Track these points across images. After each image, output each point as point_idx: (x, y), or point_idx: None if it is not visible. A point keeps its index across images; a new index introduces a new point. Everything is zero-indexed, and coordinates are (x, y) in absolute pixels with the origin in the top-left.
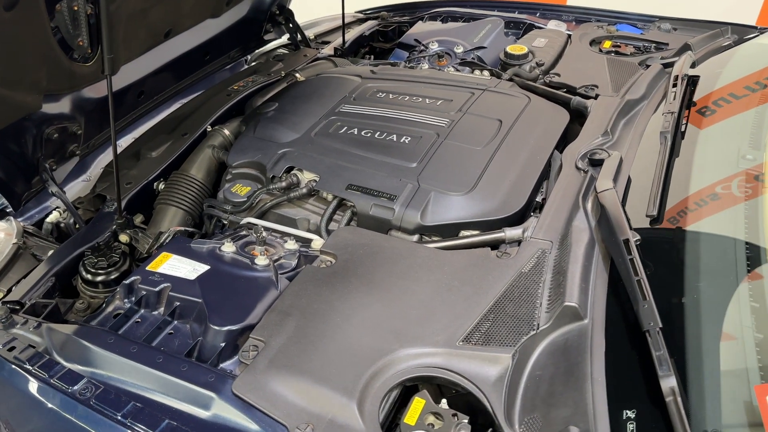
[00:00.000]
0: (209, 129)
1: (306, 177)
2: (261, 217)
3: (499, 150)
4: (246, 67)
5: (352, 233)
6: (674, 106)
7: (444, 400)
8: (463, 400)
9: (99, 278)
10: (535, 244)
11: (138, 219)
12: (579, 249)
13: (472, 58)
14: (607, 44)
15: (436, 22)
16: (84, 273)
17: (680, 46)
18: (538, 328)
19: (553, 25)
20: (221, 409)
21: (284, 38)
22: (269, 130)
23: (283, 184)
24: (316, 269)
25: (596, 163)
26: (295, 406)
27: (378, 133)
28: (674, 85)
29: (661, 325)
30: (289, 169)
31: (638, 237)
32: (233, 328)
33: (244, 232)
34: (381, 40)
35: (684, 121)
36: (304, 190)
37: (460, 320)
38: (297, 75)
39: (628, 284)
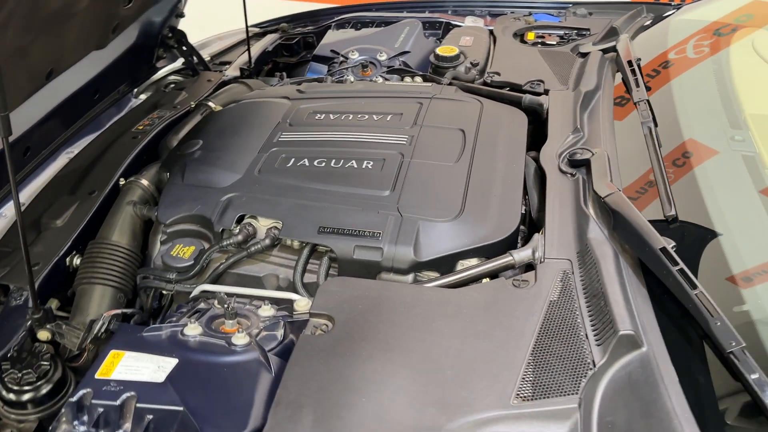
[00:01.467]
0: (122, 182)
1: (263, 224)
2: (217, 281)
3: (473, 164)
4: (134, 101)
5: (341, 285)
6: (642, 93)
7: None
8: None
9: (26, 396)
10: (553, 265)
11: (53, 305)
12: (609, 265)
13: (400, 65)
14: (530, 36)
15: (348, 29)
16: (5, 393)
17: (602, 30)
18: (594, 366)
19: (470, 21)
20: None
21: (178, 63)
22: (202, 173)
23: (239, 237)
24: (313, 339)
25: (579, 164)
26: None
27: (334, 161)
28: (632, 72)
29: (744, 344)
30: (241, 218)
31: (673, 242)
32: None
33: (201, 305)
34: (286, 55)
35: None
36: (267, 241)
37: (504, 372)
38: (211, 104)
39: (684, 299)
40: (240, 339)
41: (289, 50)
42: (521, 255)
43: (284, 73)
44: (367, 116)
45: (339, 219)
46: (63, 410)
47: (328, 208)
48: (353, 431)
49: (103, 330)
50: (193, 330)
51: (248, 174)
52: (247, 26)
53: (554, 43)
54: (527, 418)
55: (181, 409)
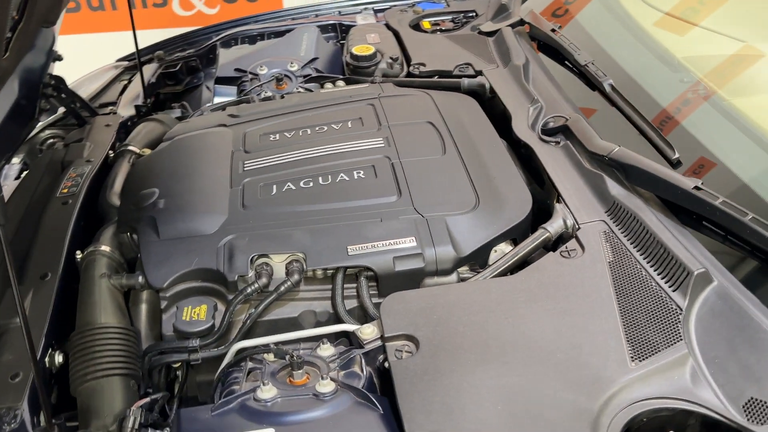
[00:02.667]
0: (78, 256)
1: (278, 261)
2: (248, 335)
3: (461, 153)
4: (8, 166)
5: (402, 301)
6: (585, 55)
7: None
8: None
9: None
10: (590, 229)
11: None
12: (648, 215)
13: (313, 72)
14: (426, 24)
15: (239, 46)
16: None
17: (488, 8)
18: (682, 310)
19: (361, 19)
20: None
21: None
22: (181, 223)
23: (264, 279)
24: (407, 363)
25: (556, 131)
26: None
27: (321, 178)
28: (563, 39)
29: None
30: (252, 260)
31: (700, 180)
32: None
33: (250, 365)
34: (170, 84)
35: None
36: (296, 276)
37: (609, 341)
38: (134, 149)
39: (739, 227)
40: (326, 386)
41: (173, 78)
42: (555, 227)
43: (185, 103)
44: (326, 127)
45: (364, 235)
46: None
47: (346, 227)
48: None
49: (136, 427)
50: (268, 393)
51: (234, 212)
52: (139, 59)
53: (451, 27)
54: (652, 375)
55: None
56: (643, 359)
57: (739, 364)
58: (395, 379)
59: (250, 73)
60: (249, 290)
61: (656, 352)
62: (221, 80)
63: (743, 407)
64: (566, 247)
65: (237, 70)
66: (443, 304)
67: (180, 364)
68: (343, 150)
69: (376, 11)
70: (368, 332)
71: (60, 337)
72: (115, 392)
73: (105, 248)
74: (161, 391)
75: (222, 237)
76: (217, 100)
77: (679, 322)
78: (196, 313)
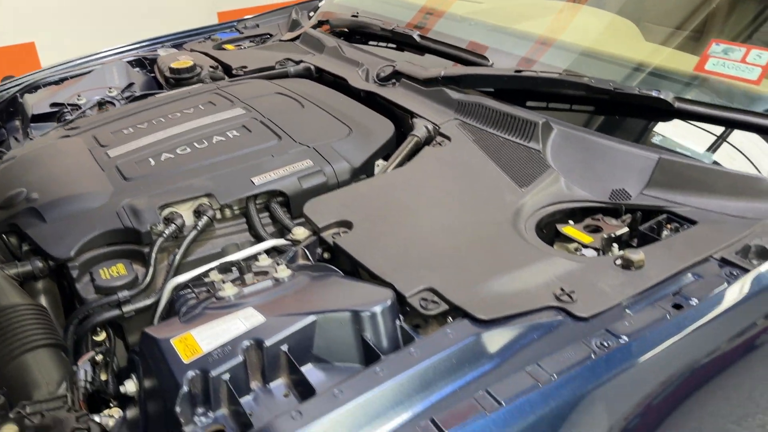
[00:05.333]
0: None
1: (185, 208)
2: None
3: (319, 105)
4: None
5: (319, 203)
6: (390, 24)
7: None
8: None
9: None
10: (448, 125)
11: None
12: (487, 101)
13: (141, 92)
14: (230, 47)
15: (42, 90)
16: None
17: (284, 27)
18: (540, 151)
19: (163, 52)
20: None
21: None
22: (64, 206)
23: (179, 221)
24: (348, 238)
25: (388, 78)
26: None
27: (196, 143)
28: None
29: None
30: (159, 210)
31: (519, 68)
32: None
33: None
34: None
35: None
36: (211, 212)
37: (499, 183)
38: None
39: (558, 85)
40: (283, 272)
41: None
42: (420, 132)
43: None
44: (179, 114)
45: (263, 167)
46: (178, 411)
47: (243, 166)
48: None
49: (89, 379)
50: (229, 290)
51: (118, 184)
52: None
53: (254, 44)
54: (539, 192)
55: (314, 318)
56: (529, 185)
57: (593, 171)
58: (346, 248)
59: (69, 104)
60: (167, 232)
61: (535, 178)
62: (37, 117)
63: (610, 194)
64: (436, 141)
65: (53, 104)
66: (358, 196)
67: (105, 337)
68: (206, 123)
69: (174, 46)
70: (300, 232)
71: None
72: (46, 363)
73: None
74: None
75: (117, 203)
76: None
77: (542, 158)
78: (115, 271)
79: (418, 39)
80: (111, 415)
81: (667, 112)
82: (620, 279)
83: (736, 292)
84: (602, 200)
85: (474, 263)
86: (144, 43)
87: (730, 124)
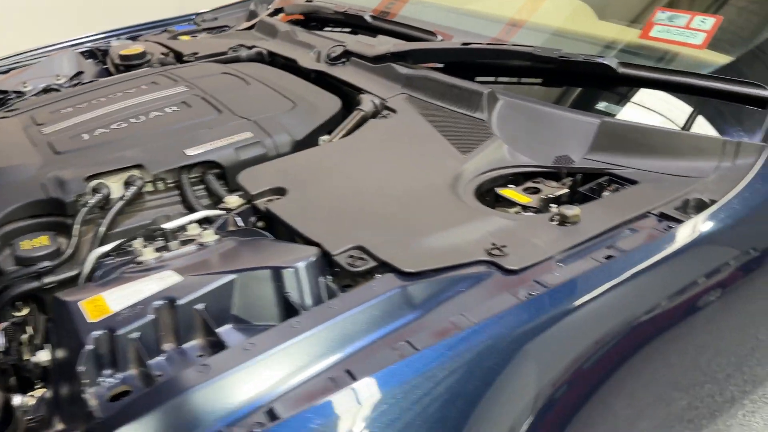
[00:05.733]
0: None
1: (114, 180)
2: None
3: (264, 82)
4: None
5: (255, 172)
6: (344, 7)
7: None
8: None
9: None
10: (395, 99)
11: None
12: (434, 74)
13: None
14: (185, 38)
15: None
16: None
17: (241, 19)
18: (485, 120)
19: (115, 42)
20: None
21: None
22: None
23: (106, 190)
24: (281, 204)
25: (338, 58)
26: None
27: (133, 119)
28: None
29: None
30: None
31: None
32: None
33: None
34: None
35: None
36: (140, 182)
37: (442, 151)
38: None
39: (506, 56)
40: (209, 236)
41: None
42: (366, 106)
43: None
44: (121, 93)
45: (198, 139)
46: (81, 371)
47: (178, 138)
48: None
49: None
50: (149, 254)
51: (48, 157)
52: None
53: (211, 36)
54: (482, 158)
55: (233, 277)
56: (471, 151)
57: (537, 138)
58: (278, 213)
59: (13, 92)
60: (92, 201)
61: (478, 145)
62: None
63: (554, 160)
64: (381, 114)
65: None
66: (296, 165)
67: (27, 312)
68: (146, 100)
69: (129, 39)
70: (233, 201)
71: None
72: None
73: None
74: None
75: (44, 174)
76: None
77: (486, 127)
78: (38, 242)
79: (369, 20)
80: (33, 395)
81: (612, 78)
82: (555, 234)
83: (671, 241)
84: (543, 165)
85: (407, 223)
86: (98, 36)
87: (675, 88)
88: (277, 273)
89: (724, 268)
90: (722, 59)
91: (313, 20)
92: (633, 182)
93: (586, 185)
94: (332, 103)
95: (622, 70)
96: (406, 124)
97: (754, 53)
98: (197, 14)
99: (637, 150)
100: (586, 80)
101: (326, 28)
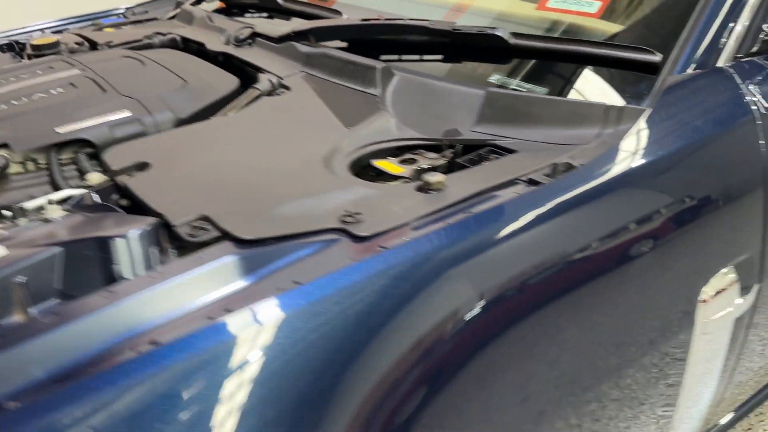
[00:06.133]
0: None
1: None
2: None
3: (166, 64)
4: None
5: (122, 149)
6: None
7: None
8: None
9: None
10: (293, 77)
11: None
12: (333, 51)
13: None
14: (109, 30)
15: None
16: None
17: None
18: (377, 96)
19: (39, 36)
20: None
21: None
22: None
23: None
24: (141, 178)
25: (243, 40)
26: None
27: (14, 101)
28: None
29: None
30: None
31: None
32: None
33: None
34: None
35: None
36: (2, 161)
37: (327, 125)
38: None
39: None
40: (54, 211)
41: None
42: (261, 85)
43: None
44: (14, 78)
45: (71, 116)
46: None
47: (53, 115)
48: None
49: None
50: None
51: None
52: None
53: (134, 27)
54: (361, 132)
55: (58, 249)
56: (356, 125)
57: (429, 113)
58: (134, 188)
59: None
60: None
61: (363, 120)
62: None
63: (443, 134)
64: (275, 92)
65: None
66: (169, 141)
67: None
68: (36, 83)
69: (55, 33)
70: (95, 177)
71: None
72: None
73: None
74: None
75: None
76: None
77: (378, 102)
78: None
79: (281, 2)
80: None
81: (506, 50)
82: (416, 201)
83: (531, 203)
84: (427, 137)
85: (266, 195)
86: (25, 30)
87: (568, 58)
88: (103, 243)
89: (589, 233)
90: (617, 27)
91: (234, 6)
92: (512, 152)
93: (466, 156)
94: (228, 83)
95: (514, 41)
96: (297, 102)
97: (648, 20)
98: (127, 8)
99: (522, 120)
100: (484, 54)
101: (247, 14)
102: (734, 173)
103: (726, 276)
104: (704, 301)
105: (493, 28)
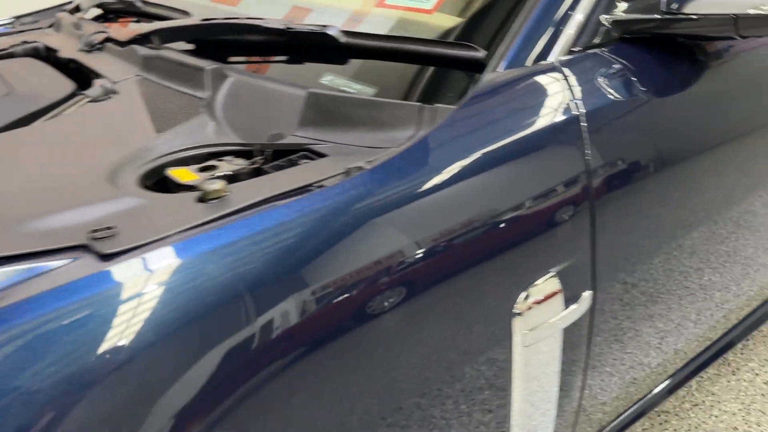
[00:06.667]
0: None
1: None
2: None
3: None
4: None
5: None
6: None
7: None
8: None
9: None
10: (126, 82)
11: None
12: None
13: None
14: None
15: None
16: None
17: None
18: (204, 99)
19: None
20: None
21: None
22: None
23: None
24: None
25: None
26: None
27: None
28: None
29: None
30: None
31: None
32: None
33: None
34: None
35: None
36: None
37: (139, 128)
38: None
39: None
40: None
41: None
42: (95, 91)
43: None
44: None
45: None
46: None
47: None
48: None
49: None
50: None
51: None
52: None
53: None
54: (177, 137)
55: None
56: (168, 130)
57: (257, 116)
58: None
59: None
60: None
61: (176, 126)
62: None
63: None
64: (103, 98)
65: None
66: None
67: None
68: None
69: None
70: None
71: None
72: None
73: None
74: None
75: None
76: None
77: (203, 106)
78: None
79: (140, 6)
80: None
81: (340, 49)
82: (190, 212)
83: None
84: (243, 143)
85: (20, 212)
86: None
87: (396, 57)
88: None
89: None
90: (453, 23)
91: (111, 12)
92: (323, 156)
93: (275, 162)
94: (60, 91)
95: (345, 39)
96: (117, 108)
97: (483, 14)
98: (17, 17)
99: (341, 122)
100: (321, 54)
101: (120, 19)
102: (551, 176)
103: (545, 285)
104: (519, 313)
105: (325, 26)
